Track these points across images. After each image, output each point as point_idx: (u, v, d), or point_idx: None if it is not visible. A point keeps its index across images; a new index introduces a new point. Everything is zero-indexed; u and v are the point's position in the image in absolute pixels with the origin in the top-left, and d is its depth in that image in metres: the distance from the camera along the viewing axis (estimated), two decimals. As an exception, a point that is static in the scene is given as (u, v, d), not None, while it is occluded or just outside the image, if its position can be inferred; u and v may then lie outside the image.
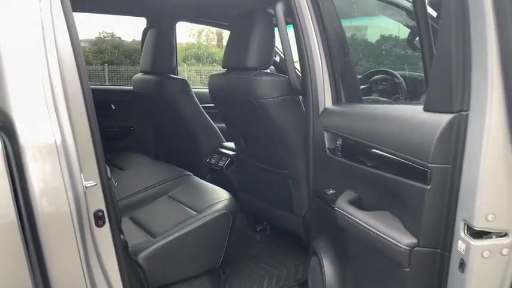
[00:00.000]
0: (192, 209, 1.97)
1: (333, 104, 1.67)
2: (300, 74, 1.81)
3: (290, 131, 1.97)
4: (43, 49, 1.14)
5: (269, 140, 2.05)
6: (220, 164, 2.65)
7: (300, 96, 1.94)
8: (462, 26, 0.91)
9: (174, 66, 3.00)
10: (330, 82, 1.68)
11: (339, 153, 1.53)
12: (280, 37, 1.78)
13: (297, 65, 1.84)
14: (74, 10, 1.23)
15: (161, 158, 3.18)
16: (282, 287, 2.10)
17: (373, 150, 1.30)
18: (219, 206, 1.92)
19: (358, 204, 1.34)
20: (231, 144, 2.65)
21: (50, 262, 1.16)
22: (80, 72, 1.21)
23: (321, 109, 1.68)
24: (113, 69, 11.30)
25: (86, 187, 1.22)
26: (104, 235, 1.31)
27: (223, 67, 2.20)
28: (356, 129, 1.38)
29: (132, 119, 3.22)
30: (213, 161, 2.72)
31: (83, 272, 1.23)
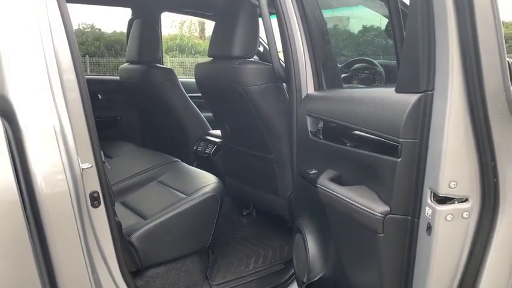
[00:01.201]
0: (181, 193, 2.03)
1: (314, 90, 1.76)
2: (283, 63, 1.89)
3: (274, 116, 2.03)
4: (39, 39, 1.20)
5: (254, 126, 2.12)
6: (207, 151, 2.69)
7: (284, 84, 2.01)
8: (427, 16, 1.02)
9: (160, 55, 3.05)
10: (311, 69, 1.76)
11: (320, 136, 1.64)
12: (264, 27, 1.84)
13: (281, 55, 1.92)
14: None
15: (148, 146, 3.20)
16: (268, 265, 2.18)
17: (351, 130, 1.41)
18: (207, 189, 1.99)
19: (338, 181, 1.45)
20: (217, 132, 2.70)
21: (51, 241, 1.21)
22: (74, 61, 1.27)
23: (304, 95, 1.76)
24: (95, 60, 11.17)
25: (83, 169, 1.28)
26: (100, 215, 1.38)
27: (209, 56, 2.25)
28: (335, 112, 1.49)
29: (119, 109, 3.24)
30: (199, 148, 2.77)
31: (82, 250, 1.29)
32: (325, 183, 1.44)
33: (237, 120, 2.34)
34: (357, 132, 1.37)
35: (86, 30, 11.93)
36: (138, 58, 2.85)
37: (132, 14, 3.16)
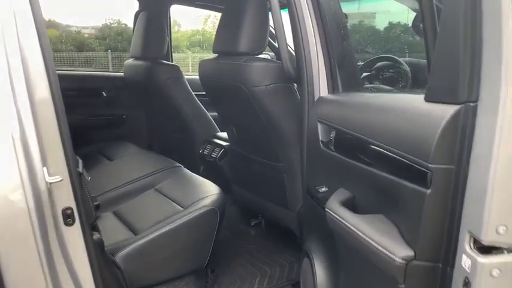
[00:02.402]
0: (177, 204, 1.89)
1: (328, 93, 1.55)
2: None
3: (283, 121, 1.86)
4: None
5: (262, 130, 1.95)
6: (213, 155, 2.55)
7: (295, 84, 1.83)
8: (472, 3, 0.76)
9: (166, 51, 2.87)
10: (325, 69, 1.56)
11: (332, 147, 1.39)
12: (273, 21, 1.65)
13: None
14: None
15: (154, 147, 3.08)
16: (274, 286, 2.01)
17: (368, 144, 1.15)
18: (207, 201, 1.82)
19: (351, 204, 1.21)
20: (225, 134, 2.53)
21: (5, 270, 1.09)
22: (44, 57, 1.11)
23: (316, 98, 1.55)
24: (116, 55, 11.31)
25: (50, 183, 1.13)
26: (74, 235, 1.23)
27: (213, 52, 2.10)
28: (349, 120, 1.25)
29: (124, 107, 3.11)
30: (206, 152, 2.62)
31: (44, 275, 1.16)
32: (335, 208, 1.19)
33: (243, 124, 2.16)
34: (374, 147, 1.11)
35: (113, 25, 12.06)
36: (142, 54, 2.71)
37: (139, 6, 3.00)
